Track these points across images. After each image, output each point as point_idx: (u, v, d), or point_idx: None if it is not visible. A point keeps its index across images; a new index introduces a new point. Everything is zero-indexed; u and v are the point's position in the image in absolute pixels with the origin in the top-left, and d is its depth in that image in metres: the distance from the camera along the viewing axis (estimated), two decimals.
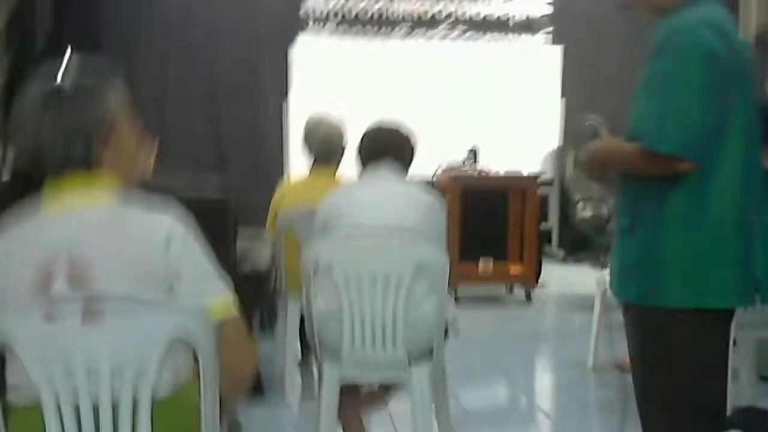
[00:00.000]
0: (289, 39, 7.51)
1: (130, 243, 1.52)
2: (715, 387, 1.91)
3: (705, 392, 1.90)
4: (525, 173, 6.50)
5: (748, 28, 5.80)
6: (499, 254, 6.25)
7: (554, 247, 8.22)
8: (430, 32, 7.80)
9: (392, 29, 7.74)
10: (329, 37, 7.69)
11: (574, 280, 6.84)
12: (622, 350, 4.29)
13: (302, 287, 2.67)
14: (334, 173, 3.74)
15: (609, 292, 4.51)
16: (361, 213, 2.66)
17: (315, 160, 3.75)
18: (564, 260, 8.02)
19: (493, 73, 7.76)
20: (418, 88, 7.50)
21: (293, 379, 3.76)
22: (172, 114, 7.43)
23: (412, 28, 7.76)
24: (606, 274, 4.32)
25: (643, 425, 1.96)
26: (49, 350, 1.43)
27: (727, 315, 1.90)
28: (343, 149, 3.75)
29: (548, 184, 7.68)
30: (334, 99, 6.58)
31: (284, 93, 7.49)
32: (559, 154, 7.67)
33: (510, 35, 7.96)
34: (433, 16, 7.76)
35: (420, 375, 2.58)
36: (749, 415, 2.68)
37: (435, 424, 2.75)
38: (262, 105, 7.67)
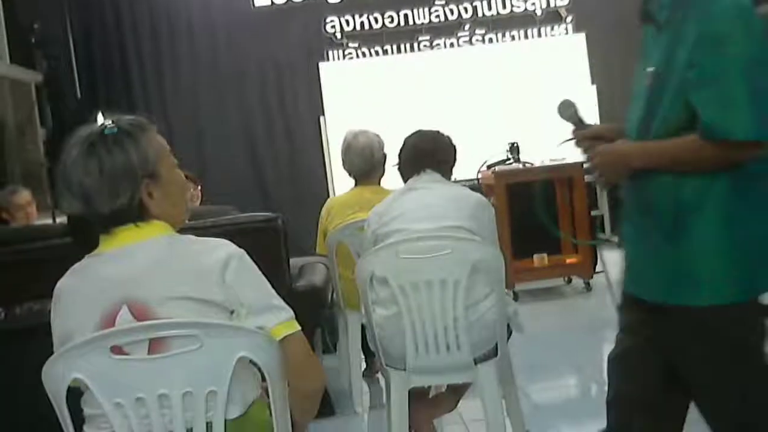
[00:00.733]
0: (316, 60, 7.57)
1: (187, 271, 1.54)
2: None
3: None
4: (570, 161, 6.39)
5: None
6: (553, 247, 6.16)
7: (608, 232, 8.11)
8: (455, 36, 7.79)
9: (416, 38, 7.75)
10: (355, 55, 7.73)
11: None
12: None
13: (360, 300, 2.68)
14: (377, 185, 3.76)
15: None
16: (410, 218, 2.66)
17: (356, 175, 3.77)
18: (620, 245, 7.87)
19: (523, 68, 7.68)
20: (449, 94, 7.47)
21: (360, 389, 3.77)
22: (210, 151, 7.53)
23: (437, 35, 7.76)
24: None
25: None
26: (119, 381, 1.47)
27: None
28: (383, 161, 3.76)
29: None
30: (368, 115, 6.59)
31: (319, 111, 7.53)
32: None
33: (533, 29, 7.91)
34: (457, 20, 7.76)
35: (487, 374, 2.57)
36: None
37: (507, 422, 2.73)
38: (297, 127, 7.72)
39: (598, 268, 6.35)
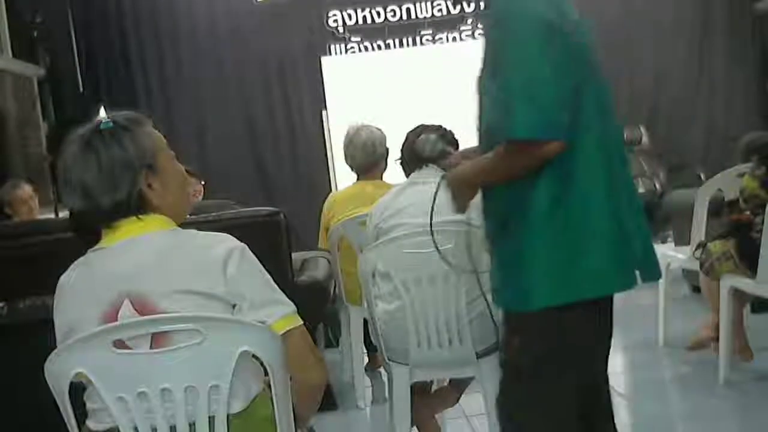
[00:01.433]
0: (318, 54, 7.55)
1: (189, 264, 1.54)
2: None
3: None
4: None
5: None
6: None
7: None
8: (458, 31, 7.76)
9: (419, 33, 7.73)
10: (357, 50, 7.70)
11: None
12: (690, 325, 4.21)
13: (362, 294, 2.68)
14: (379, 180, 3.75)
15: (672, 265, 4.37)
16: (411, 212, 2.66)
17: (358, 170, 3.77)
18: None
19: None
20: (452, 88, 7.47)
21: (363, 384, 3.77)
22: (212, 145, 7.51)
23: (439, 29, 7.74)
24: (667, 248, 4.26)
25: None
26: (122, 376, 1.47)
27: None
28: (385, 156, 3.76)
29: None
30: (371, 109, 6.58)
31: (321, 105, 7.51)
32: None
33: None
34: (459, 14, 7.73)
35: (489, 368, 2.57)
36: None
37: None
38: (300, 121, 7.70)
39: None
